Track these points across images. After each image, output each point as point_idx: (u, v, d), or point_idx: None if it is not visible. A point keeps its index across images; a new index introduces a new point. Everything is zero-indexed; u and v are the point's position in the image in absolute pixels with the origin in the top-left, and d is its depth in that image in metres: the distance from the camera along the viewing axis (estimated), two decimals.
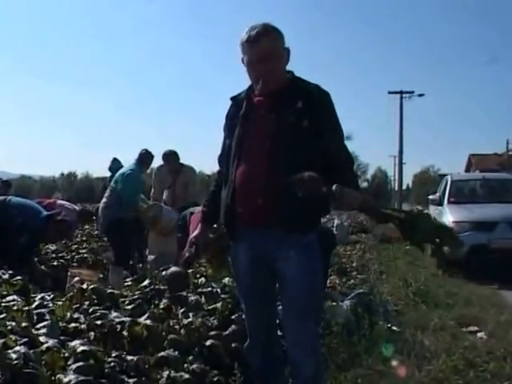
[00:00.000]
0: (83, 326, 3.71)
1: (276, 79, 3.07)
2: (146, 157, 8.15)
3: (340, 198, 2.80)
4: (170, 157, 8.74)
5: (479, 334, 5.92)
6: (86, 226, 12.42)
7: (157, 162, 8.88)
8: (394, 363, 4.55)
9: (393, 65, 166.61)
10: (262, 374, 3.33)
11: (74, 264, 8.18)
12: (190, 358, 3.50)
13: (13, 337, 3.20)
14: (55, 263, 7.96)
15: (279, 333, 3.57)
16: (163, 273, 5.01)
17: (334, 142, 3.05)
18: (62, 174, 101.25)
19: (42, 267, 7.12)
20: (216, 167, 3.47)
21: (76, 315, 3.95)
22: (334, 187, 2.78)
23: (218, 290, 4.87)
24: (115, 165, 9.80)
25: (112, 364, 3.10)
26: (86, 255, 9.24)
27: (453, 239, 4.58)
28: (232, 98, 3.31)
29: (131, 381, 3.00)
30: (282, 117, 3.01)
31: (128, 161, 8.58)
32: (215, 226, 3.69)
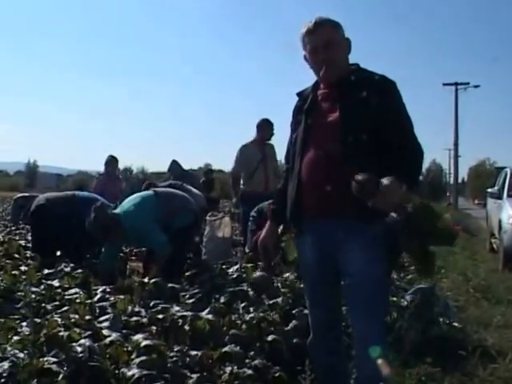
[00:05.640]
0: (144, 320, 3.73)
1: (339, 66, 3.05)
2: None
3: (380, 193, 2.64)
4: (264, 125, 8.10)
5: None
6: None
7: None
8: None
9: (448, 56, 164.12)
10: (325, 369, 3.28)
11: (133, 258, 8.23)
12: (252, 353, 3.48)
13: (77, 330, 3.24)
14: None
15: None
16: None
17: (402, 131, 2.96)
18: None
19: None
20: None
21: (137, 309, 3.98)
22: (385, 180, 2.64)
23: (279, 284, 4.84)
24: (173, 166, 10.05)
25: (174, 359, 3.11)
26: (144, 249, 9.32)
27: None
28: (298, 94, 3.30)
29: (194, 376, 2.99)
30: (349, 107, 2.96)
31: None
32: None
